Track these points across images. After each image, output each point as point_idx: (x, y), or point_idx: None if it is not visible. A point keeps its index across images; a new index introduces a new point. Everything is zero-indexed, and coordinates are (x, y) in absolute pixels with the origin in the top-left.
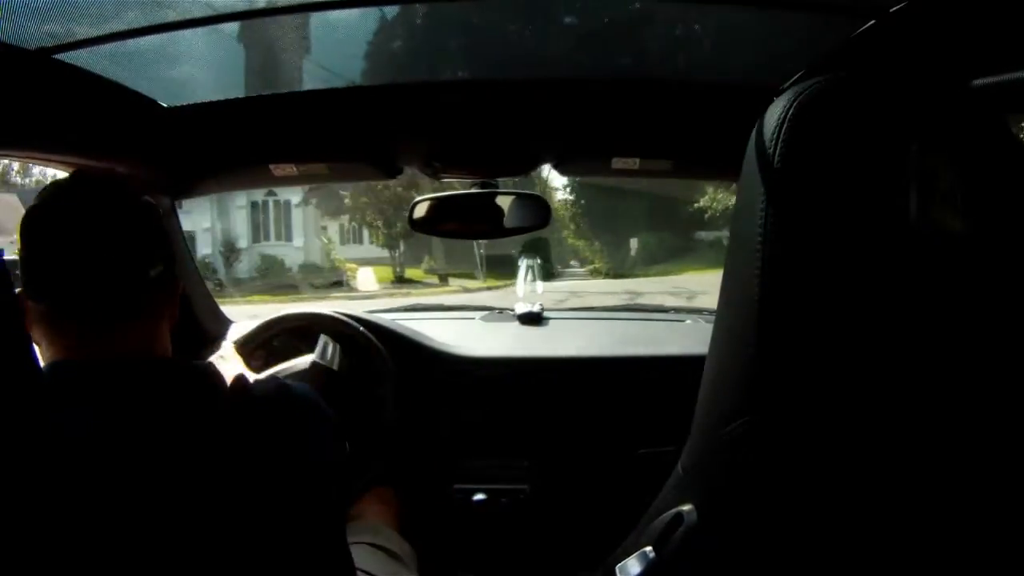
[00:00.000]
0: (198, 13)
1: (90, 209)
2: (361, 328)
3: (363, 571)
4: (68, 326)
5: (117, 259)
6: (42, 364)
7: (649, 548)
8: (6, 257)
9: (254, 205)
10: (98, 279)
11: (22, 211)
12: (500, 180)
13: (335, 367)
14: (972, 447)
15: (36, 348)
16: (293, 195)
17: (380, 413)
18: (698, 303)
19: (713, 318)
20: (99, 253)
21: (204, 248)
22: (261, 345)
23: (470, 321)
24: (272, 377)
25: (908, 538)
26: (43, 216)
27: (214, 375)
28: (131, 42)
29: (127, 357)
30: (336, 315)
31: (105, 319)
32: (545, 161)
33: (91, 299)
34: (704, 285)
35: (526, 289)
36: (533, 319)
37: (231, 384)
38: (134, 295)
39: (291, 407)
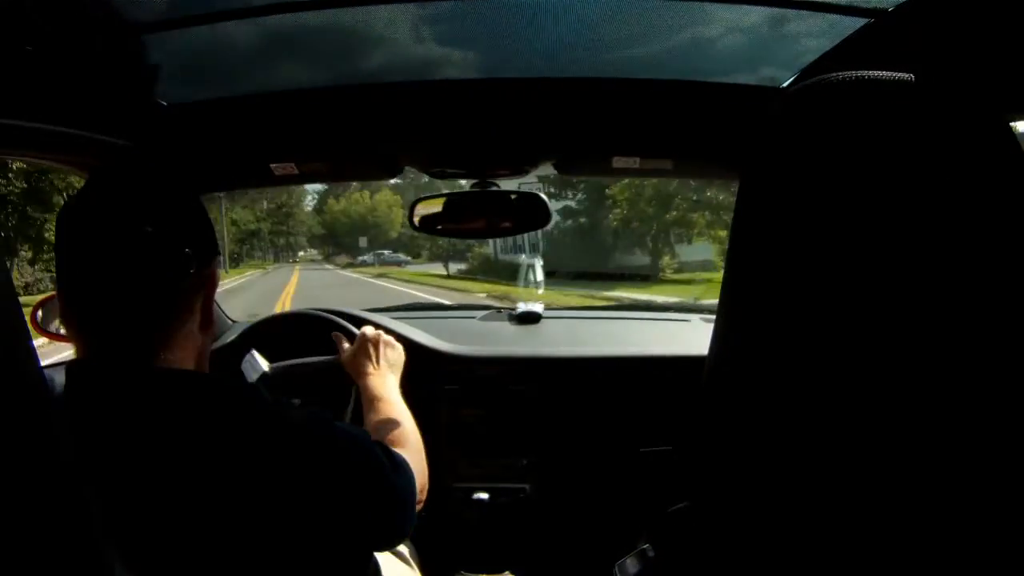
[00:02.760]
0: (198, 11)
1: (105, 208)
2: (341, 319)
3: None
4: (82, 328)
5: (107, 253)
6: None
7: (648, 546)
8: None
9: None
10: (103, 284)
11: None
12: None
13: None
14: (965, 446)
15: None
16: None
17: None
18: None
19: (713, 318)
20: (93, 245)
21: None
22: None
23: (470, 320)
24: (309, 408)
25: (904, 534)
26: (65, 212)
27: (236, 393)
28: (131, 40)
29: (129, 364)
30: (335, 314)
31: (115, 325)
32: (545, 160)
33: (100, 305)
34: None
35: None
36: (532, 318)
37: (264, 405)
38: (140, 301)
39: (335, 448)
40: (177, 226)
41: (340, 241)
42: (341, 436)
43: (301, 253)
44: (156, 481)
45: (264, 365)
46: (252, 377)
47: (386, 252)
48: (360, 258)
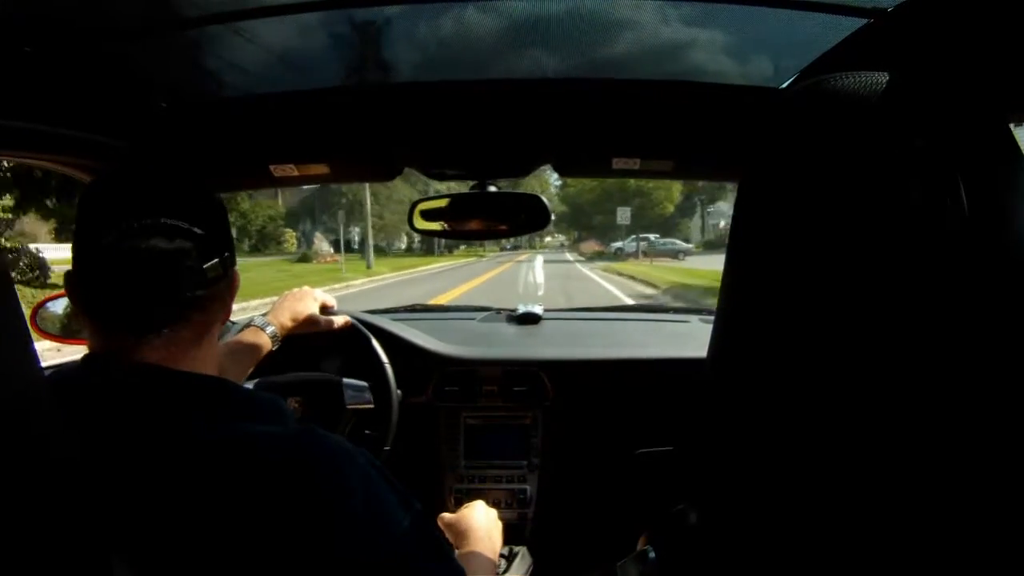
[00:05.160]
0: (198, 13)
1: (115, 204)
2: (363, 329)
3: None
4: (88, 322)
5: (134, 271)
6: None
7: (648, 547)
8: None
9: None
10: (114, 288)
11: None
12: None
13: (348, 405)
14: (965, 445)
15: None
16: None
17: (378, 416)
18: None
19: (712, 319)
20: (118, 260)
21: None
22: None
23: (469, 321)
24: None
25: (904, 535)
26: (79, 207)
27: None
28: (131, 41)
29: (133, 366)
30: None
31: (120, 327)
32: (545, 161)
33: (105, 306)
34: None
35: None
36: (532, 320)
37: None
38: (151, 309)
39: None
40: (217, 227)
41: (588, 220)
42: (343, 462)
43: (548, 239)
44: (143, 482)
45: (357, 392)
46: (349, 398)
47: (652, 236)
48: (614, 245)
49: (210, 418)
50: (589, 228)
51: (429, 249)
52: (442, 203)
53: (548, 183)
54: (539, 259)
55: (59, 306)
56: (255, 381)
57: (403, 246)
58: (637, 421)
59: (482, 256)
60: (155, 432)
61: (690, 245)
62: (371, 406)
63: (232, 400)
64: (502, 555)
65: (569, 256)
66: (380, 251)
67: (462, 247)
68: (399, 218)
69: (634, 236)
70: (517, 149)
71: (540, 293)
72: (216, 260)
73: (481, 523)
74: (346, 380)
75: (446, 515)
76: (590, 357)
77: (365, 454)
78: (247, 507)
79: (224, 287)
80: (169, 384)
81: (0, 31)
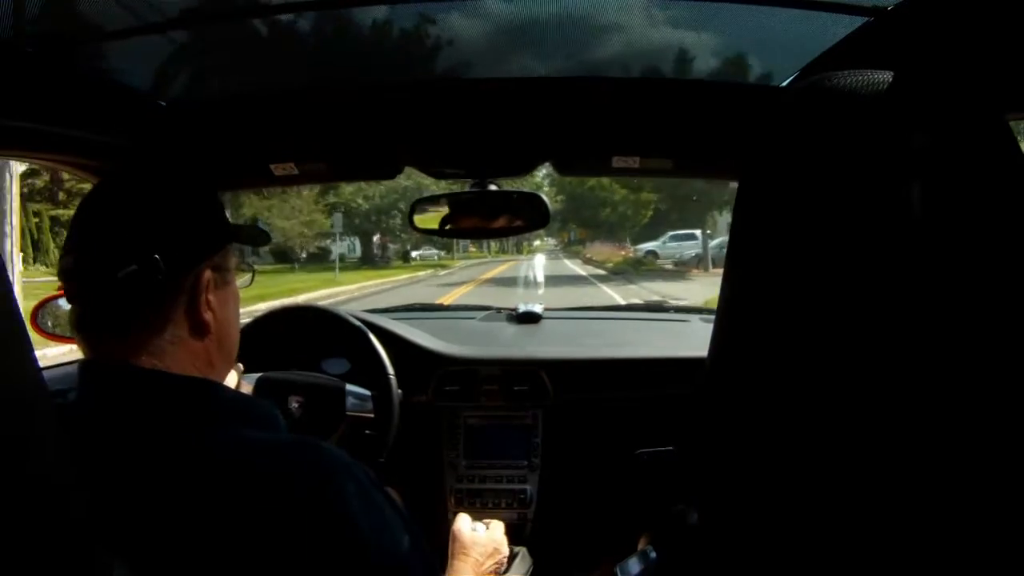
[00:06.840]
0: (198, 11)
1: (91, 201)
2: (364, 328)
3: None
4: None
5: (84, 257)
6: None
7: (649, 547)
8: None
9: None
10: (74, 276)
11: None
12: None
13: (348, 411)
14: (965, 444)
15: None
16: None
17: (380, 416)
18: None
19: (712, 318)
20: (75, 249)
21: None
22: (262, 336)
23: (470, 321)
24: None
25: (905, 535)
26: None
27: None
28: (131, 40)
29: (106, 365)
30: (339, 313)
31: (88, 323)
32: (545, 160)
33: (75, 298)
34: None
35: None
36: (533, 319)
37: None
38: (104, 299)
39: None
40: (146, 231)
41: (593, 215)
42: (339, 471)
43: (536, 242)
44: (140, 487)
45: (359, 400)
46: (351, 406)
47: (696, 233)
48: (643, 247)
49: (197, 421)
50: (594, 225)
51: (367, 258)
52: (444, 201)
53: (535, 174)
54: (539, 258)
55: (61, 306)
56: (258, 376)
57: (338, 251)
58: (637, 421)
59: (446, 266)
60: (145, 436)
61: None
62: (371, 416)
63: (219, 402)
64: None
65: (578, 269)
66: (283, 258)
67: (420, 258)
68: (267, 203)
69: (671, 233)
70: (517, 148)
71: (540, 292)
72: (133, 267)
73: (480, 549)
74: (350, 387)
75: (459, 530)
76: (590, 356)
77: (361, 467)
78: (241, 515)
79: (173, 289)
80: (145, 384)
81: (0, 31)
